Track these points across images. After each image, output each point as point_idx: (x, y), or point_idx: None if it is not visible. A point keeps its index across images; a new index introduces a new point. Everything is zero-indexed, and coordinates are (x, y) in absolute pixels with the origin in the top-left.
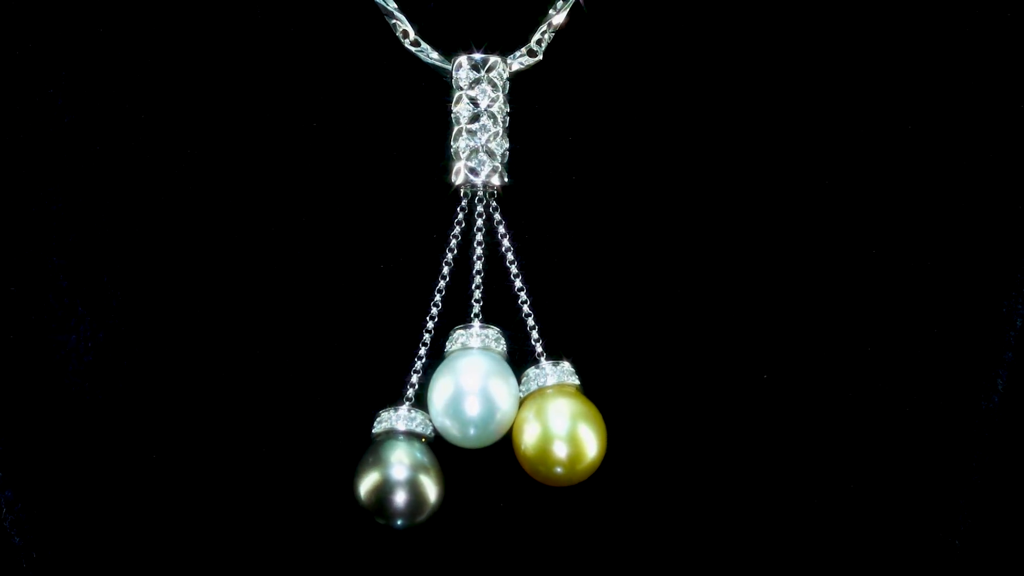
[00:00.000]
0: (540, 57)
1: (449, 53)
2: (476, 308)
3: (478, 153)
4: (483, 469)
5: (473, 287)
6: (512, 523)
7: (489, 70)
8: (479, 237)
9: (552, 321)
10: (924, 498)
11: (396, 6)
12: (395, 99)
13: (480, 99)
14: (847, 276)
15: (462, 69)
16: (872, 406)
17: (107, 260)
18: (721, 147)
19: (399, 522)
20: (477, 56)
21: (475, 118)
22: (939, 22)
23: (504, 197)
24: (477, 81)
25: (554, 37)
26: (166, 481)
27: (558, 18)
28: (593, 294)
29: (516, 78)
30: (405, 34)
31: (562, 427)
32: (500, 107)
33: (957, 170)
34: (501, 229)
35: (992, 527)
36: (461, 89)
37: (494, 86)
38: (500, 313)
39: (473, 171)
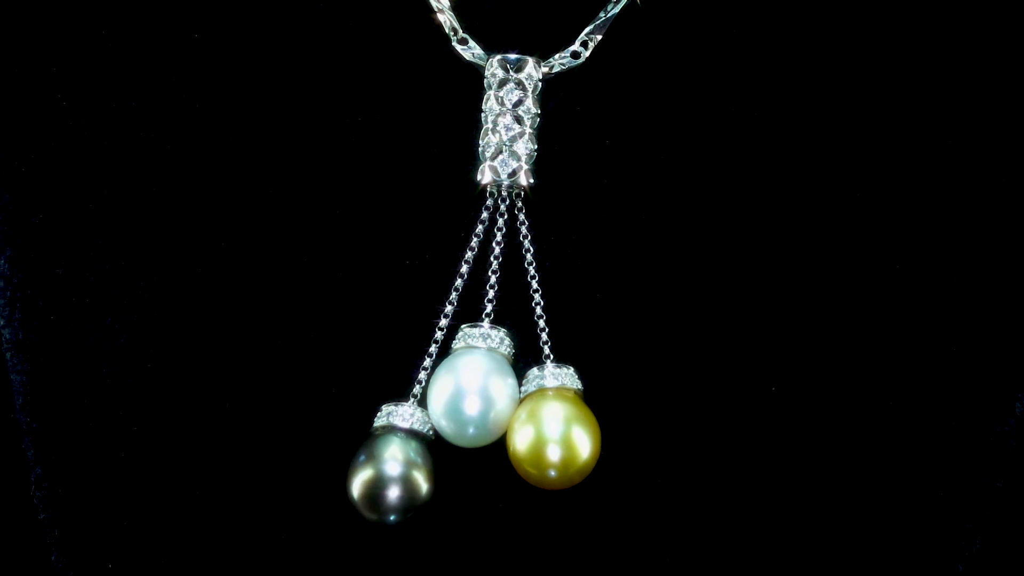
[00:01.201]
0: (582, 60)
1: (499, 52)
2: (488, 307)
3: (503, 153)
4: (481, 469)
5: (487, 286)
6: (510, 524)
7: (519, 71)
8: (498, 237)
9: (568, 324)
10: (930, 519)
11: (448, 3)
12: (439, 96)
13: (507, 99)
14: (864, 293)
15: (493, 69)
16: (884, 425)
17: (147, 245)
18: (750, 163)
19: (392, 518)
20: (511, 56)
21: (501, 118)
22: (975, 33)
23: (535, 197)
24: (506, 81)
25: (602, 40)
26: (187, 468)
27: (606, 21)
28: (612, 300)
29: (559, 79)
30: (454, 31)
31: (556, 430)
32: (528, 108)
33: (981, 189)
34: (523, 230)
35: (1000, 551)
36: (491, 88)
37: (522, 87)
38: (516, 313)
39: (498, 171)
